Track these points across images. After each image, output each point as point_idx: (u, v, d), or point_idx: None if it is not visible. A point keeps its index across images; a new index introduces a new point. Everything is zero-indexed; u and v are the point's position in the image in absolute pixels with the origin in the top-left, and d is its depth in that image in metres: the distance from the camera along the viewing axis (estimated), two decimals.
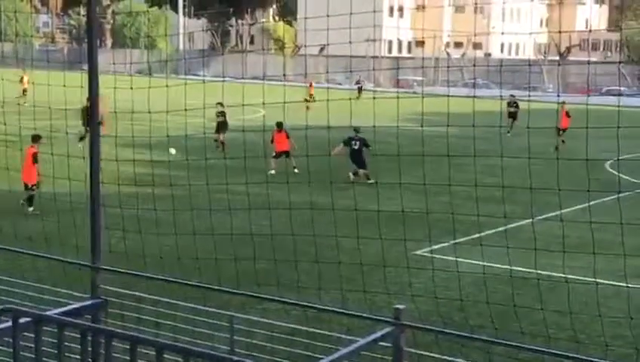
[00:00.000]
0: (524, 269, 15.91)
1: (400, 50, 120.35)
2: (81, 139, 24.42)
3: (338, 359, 6.07)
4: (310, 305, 8.60)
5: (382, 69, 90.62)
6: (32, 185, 21.81)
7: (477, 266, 15.82)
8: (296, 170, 27.86)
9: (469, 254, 17.30)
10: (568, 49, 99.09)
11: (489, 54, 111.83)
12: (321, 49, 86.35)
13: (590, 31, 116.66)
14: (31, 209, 21.56)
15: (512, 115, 42.66)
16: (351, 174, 27.26)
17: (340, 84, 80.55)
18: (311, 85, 60.39)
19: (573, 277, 15.32)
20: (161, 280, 8.78)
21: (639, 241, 18.04)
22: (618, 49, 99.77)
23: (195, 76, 62.32)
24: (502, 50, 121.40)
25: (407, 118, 30.67)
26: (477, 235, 18.76)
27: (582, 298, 14.50)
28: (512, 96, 45.16)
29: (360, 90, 66.08)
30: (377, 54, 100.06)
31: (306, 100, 48.71)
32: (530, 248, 15.47)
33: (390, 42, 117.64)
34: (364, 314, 7.50)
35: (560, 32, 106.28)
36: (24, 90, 49.73)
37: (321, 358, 6.15)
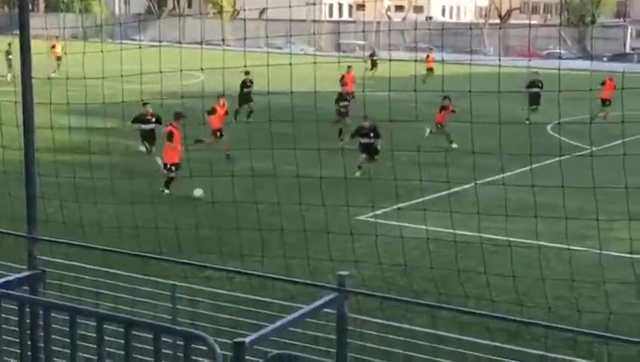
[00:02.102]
0: (467, 233, 16.09)
1: (341, 13, 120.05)
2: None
3: (282, 326, 6.07)
4: (253, 272, 8.58)
5: (322, 33, 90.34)
6: None
7: (420, 231, 15.95)
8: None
9: (413, 219, 17.42)
10: (509, 12, 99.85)
11: (430, 17, 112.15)
12: (261, 12, 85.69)
13: None
14: None
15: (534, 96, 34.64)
16: (358, 173, 23.71)
17: (279, 48, 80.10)
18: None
19: (515, 240, 15.54)
20: (101, 250, 8.68)
21: (579, 204, 18.33)
22: (558, 12, 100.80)
23: (132, 41, 61.39)
24: (443, 14, 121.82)
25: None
26: (420, 200, 18.88)
27: (524, 260, 14.72)
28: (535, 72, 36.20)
29: (374, 62, 58.66)
30: (318, 18, 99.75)
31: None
32: (473, 212, 15.65)
33: (331, 6, 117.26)
34: (308, 281, 7.51)
35: None
36: None
37: (265, 326, 6.14)
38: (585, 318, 11.95)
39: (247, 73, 33.58)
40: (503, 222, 14.36)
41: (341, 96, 31.46)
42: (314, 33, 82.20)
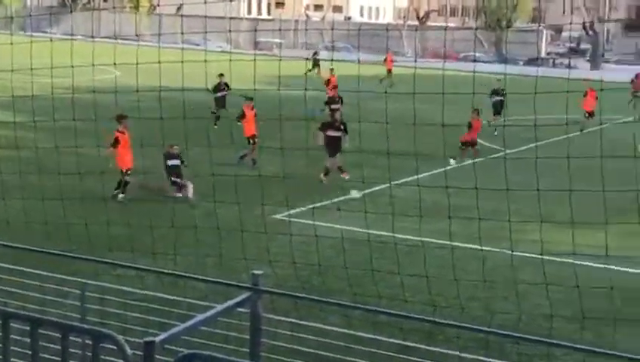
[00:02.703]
0: (382, 233, 16.25)
1: (260, 11, 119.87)
2: None
3: (193, 325, 6.04)
4: (164, 271, 8.52)
5: (240, 31, 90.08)
6: None
7: (335, 230, 16.05)
8: None
9: (328, 218, 17.52)
10: (427, 14, 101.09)
11: (349, 17, 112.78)
12: (178, 8, 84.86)
13: None
14: None
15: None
16: (323, 176, 22.72)
17: (197, 45, 79.50)
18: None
19: (429, 240, 15.75)
20: (8, 247, 8.51)
21: (493, 205, 18.67)
22: (475, 15, 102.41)
23: (44, 34, 60.21)
24: (362, 14, 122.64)
25: (266, 82, 30.63)
26: (336, 199, 19.03)
27: (438, 261, 14.93)
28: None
29: (316, 62, 57.99)
30: (236, 15, 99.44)
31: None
32: (388, 212, 15.83)
33: (249, 2, 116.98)
34: (220, 280, 7.49)
35: None
36: None
37: (176, 325, 6.11)
38: (497, 319, 12.20)
39: (220, 75, 32.02)
40: (418, 222, 14.55)
41: (332, 100, 30.63)
42: (229, 30, 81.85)
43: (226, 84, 32.19)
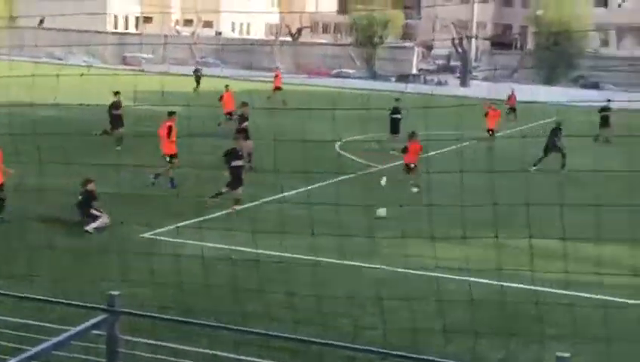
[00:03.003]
0: (252, 250, 16.18)
1: (127, 25, 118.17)
2: None
3: (46, 349, 5.83)
4: (16, 294, 8.22)
5: (107, 44, 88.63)
6: None
7: (204, 249, 15.90)
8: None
9: (197, 236, 17.30)
10: (299, 30, 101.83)
11: (220, 33, 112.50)
12: (41, 21, 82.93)
13: (318, 14, 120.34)
14: None
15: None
16: (236, 207, 20.79)
17: (60, 59, 77.82)
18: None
19: (301, 257, 15.77)
20: None
21: (365, 221, 18.89)
22: (348, 32, 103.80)
23: None
24: (233, 29, 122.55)
25: (136, 98, 30.18)
26: (205, 217, 18.85)
27: (307, 278, 14.90)
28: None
29: (198, 78, 56.95)
30: (102, 29, 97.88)
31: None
32: (259, 230, 15.78)
33: (116, 17, 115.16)
34: (74, 302, 7.28)
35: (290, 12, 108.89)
36: None
37: (28, 349, 5.88)
38: (366, 335, 12.29)
39: (116, 94, 30.29)
40: (289, 239, 14.57)
41: (242, 117, 29.37)
42: (89, 44, 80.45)
43: (120, 103, 30.76)
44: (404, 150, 24.97)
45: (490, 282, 14.88)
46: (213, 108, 32.79)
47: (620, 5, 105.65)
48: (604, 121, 39.91)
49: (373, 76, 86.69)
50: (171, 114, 23.20)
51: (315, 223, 17.25)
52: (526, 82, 72.14)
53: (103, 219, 17.73)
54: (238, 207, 20.43)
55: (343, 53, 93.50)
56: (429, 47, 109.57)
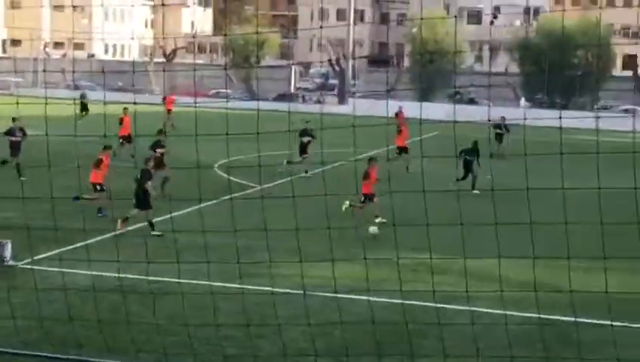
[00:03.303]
0: (133, 276, 15.99)
1: None
2: None
3: None
4: None
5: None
6: None
7: (84, 277, 15.62)
8: None
9: (75, 264, 16.92)
10: (174, 51, 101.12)
11: (92, 55, 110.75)
12: None
13: (195, 35, 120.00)
14: None
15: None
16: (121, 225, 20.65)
17: None
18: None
19: (184, 281, 15.64)
20: None
21: (246, 242, 18.87)
22: (224, 52, 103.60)
23: None
24: (106, 52, 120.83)
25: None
26: (83, 243, 18.45)
27: (193, 301, 14.79)
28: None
29: (84, 104, 52.46)
30: None
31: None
32: (139, 255, 15.58)
33: None
34: None
35: (164, 37, 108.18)
36: None
37: None
38: (255, 358, 12.28)
39: (14, 120, 29.27)
40: (171, 263, 14.43)
41: (158, 143, 28.36)
42: None
43: (22, 129, 29.66)
44: (366, 176, 22.94)
45: (376, 299, 15.07)
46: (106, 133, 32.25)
47: (492, 22, 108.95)
48: (499, 138, 40.10)
49: (252, 96, 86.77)
50: (106, 148, 23.51)
51: (196, 246, 17.21)
52: (404, 99, 73.39)
53: None
54: (121, 229, 20.28)
55: (220, 74, 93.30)
56: (307, 66, 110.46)
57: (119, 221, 20.39)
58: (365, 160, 24.12)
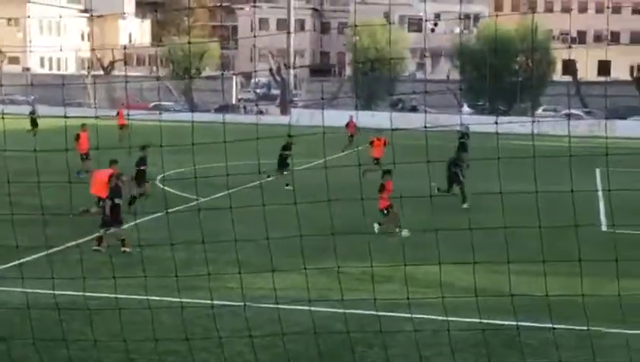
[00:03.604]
0: (72, 293, 15.77)
1: None
2: None
3: None
4: None
5: None
6: None
7: (20, 295, 15.36)
8: None
9: (10, 282, 16.67)
10: (112, 63, 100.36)
11: (28, 69, 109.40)
12: None
13: (125, 47, 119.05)
14: None
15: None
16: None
17: None
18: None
19: (123, 296, 15.47)
20: None
21: (188, 255, 18.76)
22: (164, 64, 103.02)
23: None
24: (42, 65, 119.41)
25: None
26: (17, 262, 18.16)
27: (133, 317, 14.63)
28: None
29: (34, 120, 52.90)
30: None
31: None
32: (77, 271, 15.40)
33: None
34: None
35: (101, 48, 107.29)
36: None
37: None
38: None
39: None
40: (110, 279, 14.26)
41: (142, 160, 27.94)
42: None
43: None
44: (381, 189, 22.80)
45: (321, 309, 15.06)
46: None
47: (433, 30, 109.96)
48: (462, 147, 38.52)
49: (193, 107, 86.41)
50: (112, 162, 23.15)
51: (136, 261, 17.05)
52: (346, 108, 73.69)
53: None
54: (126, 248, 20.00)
55: (160, 86, 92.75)
56: (249, 77, 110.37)
57: (96, 242, 20.28)
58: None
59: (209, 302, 14.20)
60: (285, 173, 32.02)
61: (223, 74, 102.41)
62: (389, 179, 23.23)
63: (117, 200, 20.53)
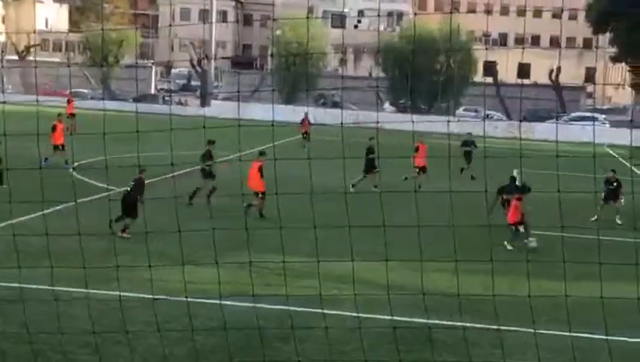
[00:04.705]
0: None
1: None
2: None
3: None
4: None
5: None
6: None
7: None
8: None
9: None
10: (27, 48, 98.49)
11: None
12: None
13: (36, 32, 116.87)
14: None
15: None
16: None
17: None
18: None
19: (34, 287, 15.22)
20: None
21: (105, 245, 18.51)
22: (81, 51, 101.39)
23: None
24: None
25: None
26: None
27: (42, 309, 14.37)
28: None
29: None
30: None
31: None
32: None
33: None
34: None
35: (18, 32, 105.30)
36: None
37: None
38: None
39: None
40: (26, 268, 14.01)
41: (209, 154, 27.10)
42: None
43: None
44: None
45: (237, 304, 15.02)
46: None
47: (356, 26, 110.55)
48: (467, 156, 36.36)
49: (111, 96, 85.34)
50: (262, 154, 24.92)
51: (50, 251, 16.76)
52: (268, 102, 73.64)
53: None
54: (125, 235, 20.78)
55: (77, 73, 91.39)
56: (169, 67, 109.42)
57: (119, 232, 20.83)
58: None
59: (119, 294, 14.04)
60: (374, 173, 31.49)
61: (137, 62, 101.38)
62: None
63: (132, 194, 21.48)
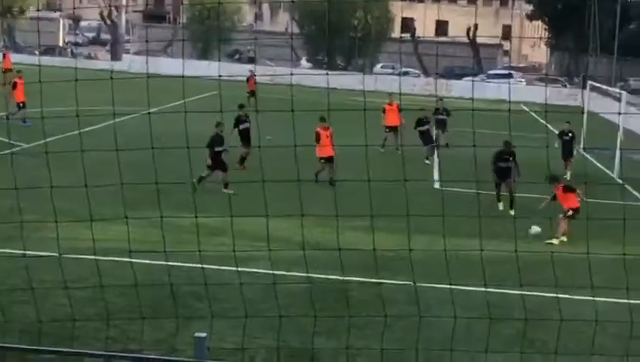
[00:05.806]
0: None
1: None
2: None
3: None
4: None
5: None
6: None
7: None
8: None
9: None
10: None
11: None
12: None
13: None
14: None
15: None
16: None
17: None
18: None
19: None
20: None
21: (8, 203, 18.11)
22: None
23: None
24: None
25: None
26: None
27: None
28: None
29: None
30: None
31: None
32: None
33: None
34: None
35: None
36: None
37: None
38: (17, 325, 11.84)
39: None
40: None
41: (240, 118, 27.00)
42: None
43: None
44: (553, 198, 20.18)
45: (150, 262, 14.88)
46: None
47: None
48: (441, 124, 35.06)
49: (16, 49, 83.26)
50: (323, 120, 24.60)
51: None
52: (180, 56, 72.78)
53: None
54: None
55: None
56: (77, 19, 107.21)
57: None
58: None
59: (24, 252, 13.78)
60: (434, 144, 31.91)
61: (38, 12, 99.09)
62: (570, 190, 20.15)
63: (217, 148, 22.81)
